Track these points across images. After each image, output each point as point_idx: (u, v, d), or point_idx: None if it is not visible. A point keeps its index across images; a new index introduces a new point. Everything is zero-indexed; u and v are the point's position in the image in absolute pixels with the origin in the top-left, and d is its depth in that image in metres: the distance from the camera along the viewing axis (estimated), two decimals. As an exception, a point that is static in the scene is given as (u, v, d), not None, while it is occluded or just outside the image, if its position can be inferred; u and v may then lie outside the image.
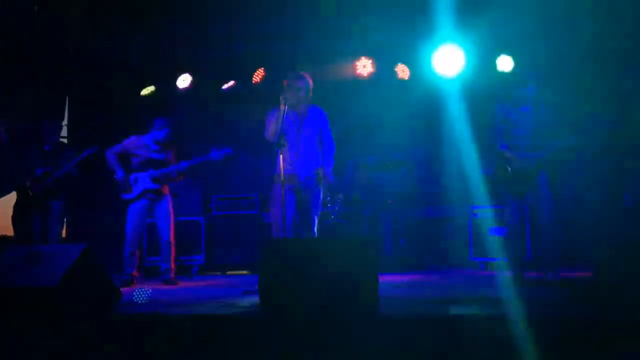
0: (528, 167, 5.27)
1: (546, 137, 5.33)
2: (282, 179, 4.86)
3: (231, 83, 8.40)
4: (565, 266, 6.13)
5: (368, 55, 8.05)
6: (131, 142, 6.28)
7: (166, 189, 6.29)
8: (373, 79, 8.22)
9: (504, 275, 5.20)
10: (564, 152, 5.29)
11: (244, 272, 7.65)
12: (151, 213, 6.29)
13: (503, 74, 7.62)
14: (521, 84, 5.49)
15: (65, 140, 8.18)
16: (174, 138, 6.49)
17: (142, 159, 6.21)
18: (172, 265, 6.22)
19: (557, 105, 5.52)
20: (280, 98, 4.96)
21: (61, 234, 6.95)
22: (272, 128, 5.02)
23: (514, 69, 7.56)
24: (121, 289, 4.20)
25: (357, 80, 8.15)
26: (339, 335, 3.23)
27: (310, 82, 5.20)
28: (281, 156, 4.87)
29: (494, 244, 7.25)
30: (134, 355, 3.43)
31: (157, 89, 8.40)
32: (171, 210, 6.29)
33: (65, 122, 8.53)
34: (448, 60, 7.62)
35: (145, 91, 8.30)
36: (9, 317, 3.57)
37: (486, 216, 7.40)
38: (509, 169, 5.40)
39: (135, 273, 6.13)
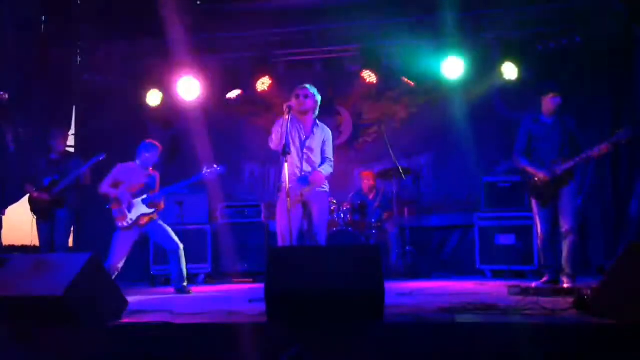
0: (555, 178, 5.43)
1: (573, 147, 5.45)
2: (287, 188, 4.86)
3: (237, 92, 8.43)
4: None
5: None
6: (119, 170, 6.22)
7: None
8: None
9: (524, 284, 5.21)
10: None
11: (250, 280, 7.65)
12: (143, 235, 6.24)
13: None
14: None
15: (71, 150, 8.23)
16: (160, 160, 6.51)
17: (132, 185, 6.16)
18: (184, 275, 6.21)
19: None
20: (285, 107, 4.96)
21: (68, 243, 6.96)
22: (277, 137, 5.02)
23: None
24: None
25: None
26: (345, 343, 3.23)
27: (318, 96, 5.20)
28: (286, 165, 4.87)
29: (501, 252, 7.24)
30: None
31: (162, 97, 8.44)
32: (163, 223, 6.27)
33: (72, 131, 8.58)
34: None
35: (152, 98, 8.33)
36: (15, 326, 3.58)
37: (493, 224, 7.38)
38: (536, 179, 5.48)
39: None
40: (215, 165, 6.21)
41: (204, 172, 6.18)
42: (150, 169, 6.30)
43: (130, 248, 6.12)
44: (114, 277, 5.93)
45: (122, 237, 6.06)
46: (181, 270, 6.16)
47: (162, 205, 6.28)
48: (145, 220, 6.10)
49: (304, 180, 5.04)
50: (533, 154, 5.67)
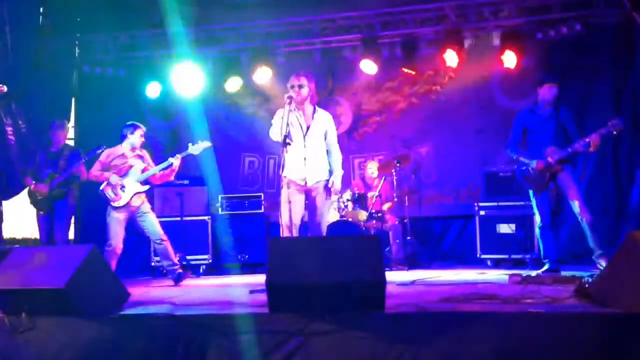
0: (549, 166, 5.45)
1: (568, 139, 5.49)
2: (289, 178, 4.86)
3: (237, 83, 8.41)
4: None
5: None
6: (107, 155, 6.23)
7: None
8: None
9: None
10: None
11: (251, 271, 7.65)
12: (135, 219, 6.22)
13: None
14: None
15: (71, 142, 8.22)
16: (147, 141, 6.51)
17: (122, 168, 6.17)
18: (175, 261, 6.23)
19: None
20: (285, 97, 4.98)
21: (68, 235, 6.96)
22: (277, 128, 5.02)
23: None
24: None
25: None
26: (346, 333, 3.23)
27: (312, 83, 5.20)
28: (286, 155, 4.87)
29: (502, 241, 7.24)
30: (141, 355, 3.43)
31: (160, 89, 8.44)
32: (151, 212, 6.28)
33: (71, 123, 8.57)
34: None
35: (152, 90, 8.32)
36: (17, 318, 3.59)
37: (493, 214, 7.38)
38: (530, 168, 5.49)
39: None
40: (200, 141, 6.22)
41: (189, 147, 6.19)
42: (138, 148, 6.31)
43: (125, 228, 6.12)
44: (116, 259, 6.01)
45: (116, 217, 6.05)
46: (169, 257, 6.17)
47: (159, 181, 6.32)
48: (138, 199, 6.12)
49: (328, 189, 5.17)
50: (529, 146, 5.70)
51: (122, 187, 6.05)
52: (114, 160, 6.19)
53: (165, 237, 6.19)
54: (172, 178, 6.40)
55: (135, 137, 6.25)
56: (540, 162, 5.50)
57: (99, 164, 6.18)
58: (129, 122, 6.33)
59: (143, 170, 6.18)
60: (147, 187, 6.19)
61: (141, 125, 6.35)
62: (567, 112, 5.62)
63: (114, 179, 6.04)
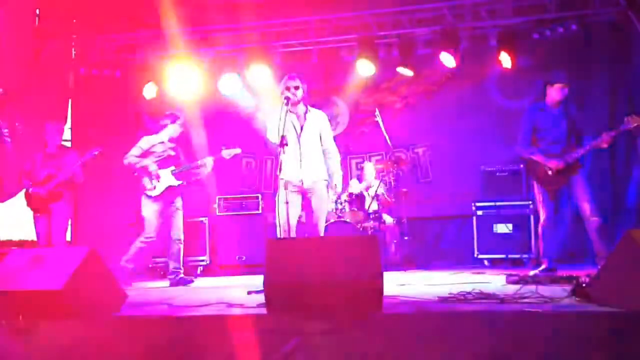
0: (568, 166, 5.47)
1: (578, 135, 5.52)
2: (285, 179, 4.87)
3: (233, 82, 8.40)
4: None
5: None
6: (146, 141, 6.22)
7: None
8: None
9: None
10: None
11: (249, 271, 7.65)
12: (165, 212, 6.23)
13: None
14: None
15: (68, 144, 8.20)
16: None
17: (159, 156, 6.16)
18: (181, 265, 6.23)
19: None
20: (282, 98, 5.00)
21: (65, 237, 6.95)
22: (273, 129, 5.03)
23: None
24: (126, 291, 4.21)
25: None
26: (344, 333, 3.23)
27: (305, 84, 5.21)
28: (283, 156, 4.88)
29: (499, 240, 7.25)
30: (139, 357, 3.43)
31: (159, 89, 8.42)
32: (181, 212, 6.30)
33: (68, 124, 8.55)
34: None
35: (148, 91, 8.30)
36: (14, 320, 3.58)
37: (490, 213, 7.39)
38: (547, 169, 5.50)
39: None
40: (232, 147, 6.23)
41: (222, 151, 6.19)
42: (175, 139, 6.29)
43: (160, 218, 6.12)
44: (148, 245, 6.04)
45: (151, 207, 6.07)
46: (179, 259, 6.19)
47: (192, 182, 6.35)
48: (173, 193, 6.11)
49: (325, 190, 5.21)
50: (539, 144, 5.67)
51: (158, 177, 6.05)
52: (154, 147, 6.17)
53: (183, 239, 6.20)
54: (204, 176, 6.37)
55: (176, 127, 6.23)
56: (560, 162, 5.48)
57: (138, 150, 6.15)
58: (169, 111, 6.32)
59: (179, 164, 6.17)
60: (180, 182, 6.17)
61: (181, 115, 6.31)
62: (574, 107, 5.64)
63: (153, 167, 6.02)
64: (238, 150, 6.26)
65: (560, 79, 5.63)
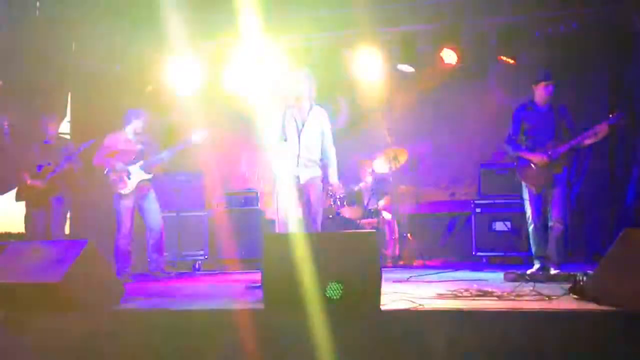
0: (552, 161, 5.44)
1: (567, 134, 5.49)
2: (283, 175, 4.87)
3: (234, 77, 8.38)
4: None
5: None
6: (111, 140, 6.24)
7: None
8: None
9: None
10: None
11: (247, 267, 7.65)
12: (140, 205, 6.27)
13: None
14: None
15: (66, 136, 8.19)
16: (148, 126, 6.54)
17: (128, 152, 6.19)
18: (164, 256, 6.33)
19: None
20: (284, 94, 4.98)
21: (64, 230, 6.94)
22: (273, 125, 5.02)
23: None
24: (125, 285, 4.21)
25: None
26: (342, 329, 3.23)
27: (313, 79, 5.19)
28: (283, 151, 4.88)
29: (497, 238, 7.26)
30: (137, 350, 3.43)
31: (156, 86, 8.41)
32: (156, 201, 6.33)
33: (67, 118, 8.54)
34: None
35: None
36: (13, 313, 3.59)
37: (489, 211, 7.39)
38: (532, 164, 5.47)
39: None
40: (201, 130, 6.27)
41: (192, 136, 6.23)
42: (141, 133, 6.31)
43: (133, 215, 6.17)
44: (129, 247, 6.12)
45: (124, 205, 6.11)
46: (161, 251, 6.27)
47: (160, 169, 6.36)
48: (145, 186, 6.15)
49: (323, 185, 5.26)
50: (527, 142, 5.67)
51: (128, 174, 6.07)
52: (120, 144, 6.19)
53: (162, 230, 6.23)
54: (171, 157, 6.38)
55: (140, 122, 6.26)
56: (543, 156, 5.47)
57: (105, 149, 6.18)
58: (133, 109, 6.36)
59: (148, 157, 6.18)
60: (150, 175, 6.21)
61: (145, 112, 6.38)
62: (566, 109, 5.62)
63: (120, 166, 6.05)
64: (205, 133, 6.29)
65: (543, 76, 5.61)
